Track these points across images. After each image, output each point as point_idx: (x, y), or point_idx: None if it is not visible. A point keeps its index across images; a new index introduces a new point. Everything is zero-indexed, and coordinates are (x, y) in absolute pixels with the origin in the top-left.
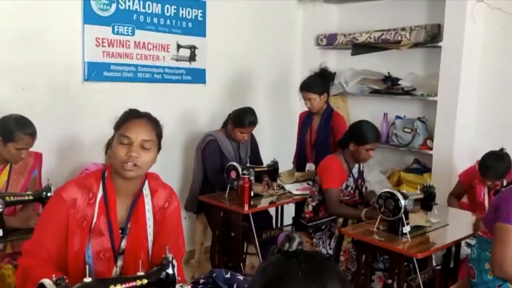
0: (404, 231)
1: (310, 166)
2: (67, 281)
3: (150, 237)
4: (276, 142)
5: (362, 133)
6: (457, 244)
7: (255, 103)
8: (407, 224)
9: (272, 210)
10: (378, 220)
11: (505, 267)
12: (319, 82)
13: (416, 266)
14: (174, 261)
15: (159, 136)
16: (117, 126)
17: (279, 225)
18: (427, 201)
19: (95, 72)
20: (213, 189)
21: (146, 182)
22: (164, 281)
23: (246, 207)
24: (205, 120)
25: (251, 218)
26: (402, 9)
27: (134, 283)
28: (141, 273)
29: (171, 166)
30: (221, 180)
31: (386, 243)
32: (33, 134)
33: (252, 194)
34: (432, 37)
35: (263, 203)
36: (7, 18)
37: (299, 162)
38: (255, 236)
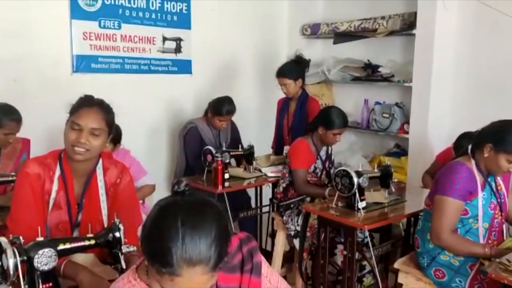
0: (359, 207)
1: (287, 149)
2: (22, 240)
3: (104, 211)
4: (262, 128)
5: (330, 118)
6: (416, 218)
7: (241, 92)
8: (362, 200)
9: (251, 192)
10: (336, 196)
11: (441, 235)
12: (294, 68)
13: (369, 239)
14: (121, 226)
15: (109, 123)
16: (71, 112)
17: (258, 205)
18: (384, 179)
19: (83, 64)
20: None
21: (100, 161)
22: (111, 243)
23: (220, 188)
24: (191, 109)
25: (226, 198)
26: None
27: (82, 243)
28: (90, 235)
29: (158, 153)
30: (200, 164)
31: (340, 217)
32: (18, 120)
33: (227, 176)
34: (408, 25)
35: (240, 184)
36: None
37: (277, 146)
38: (230, 215)
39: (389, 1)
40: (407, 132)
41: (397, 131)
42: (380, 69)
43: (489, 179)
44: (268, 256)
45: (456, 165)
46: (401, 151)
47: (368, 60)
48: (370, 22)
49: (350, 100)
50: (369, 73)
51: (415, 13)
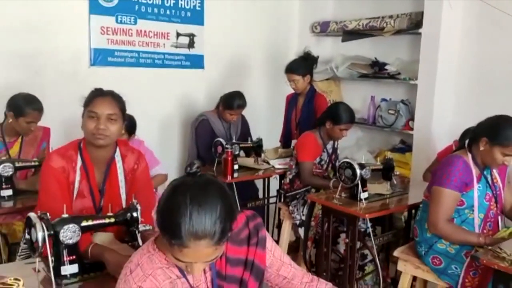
0: (361, 197)
1: (294, 143)
2: (49, 217)
3: (123, 196)
4: (271, 122)
5: (338, 114)
6: (416, 210)
7: (251, 86)
8: (365, 191)
9: (259, 184)
10: (339, 187)
11: (438, 224)
12: (302, 64)
13: (370, 230)
14: (138, 206)
15: (122, 109)
16: (86, 104)
17: (265, 196)
18: (387, 172)
19: (101, 57)
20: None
21: (117, 149)
22: (129, 221)
23: (229, 177)
24: (203, 102)
25: (235, 188)
26: None
27: (103, 221)
28: (110, 214)
29: (171, 144)
30: (210, 155)
31: (343, 206)
32: (40, 109)
33: (236, 167)
34: (415, 24)
35: (248, 175)
36: (19, 10)
37: (285, 140)
38: (238, 204)
39: (397, 1)
40: (411, 129)
41: (402, 128)
42: (387, 67)
43: (485, 172)
44: None
45: (453, 158)
46: (406, 147)
47: (376, 58)
48: (378, 21)
49: (358, 96)
50: (376, 71)
51: (422, 13)
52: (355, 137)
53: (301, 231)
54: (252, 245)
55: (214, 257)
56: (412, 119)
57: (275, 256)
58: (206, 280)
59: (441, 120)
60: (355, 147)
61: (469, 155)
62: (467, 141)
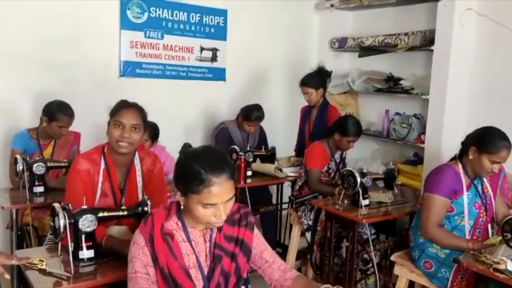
0: (362, 204)
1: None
2: (71, 207)
3: (140, 195)
4: (289, 132)
5: (346, 126)
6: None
7: (270, 99)
8: (365, 198)
9: (273, 190)
10: (342, 194)
11: (428, 229)
12: (316, 78)
13: (369, 234)
14: (149, 202)
15: (144, 120)
16: (112, 114)
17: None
18: (388, 181)
19: (130, 69)
20: None
21: (136, 153)
22: (140, 215)
23: (242, 182)
24: (224, 113)
25: (247, 193)
26: (407, 15)
27: (117, 213)
28: (123, 207)
29: None
30: None
31: (344, 212)
32: (71, 115)
33: (250, 173)
34: (429, 41)
35: (261, 181)
36: (57, 23)
37: (299, 150)
38: (250, 208)
39: (412, 18)
40: (423, 142)
41: (414, 141)
42: (401, 82)
43: (475, 182)
44: (286, 249)
45: (443, 167)
46: (418, 160)
47: (391, 73)
48: (393, 38)
49: (373, 110)
50: (391, 85)
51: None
52: (371, 149)
53: (308, 235)
54: (242, 226)
55: (232, 194)
56: (424, 132)
57: (260, 240)
58: (206, 249)
59: (452, 134)
60: (369, 158)
61: (460, 165)
62: (457, 153)
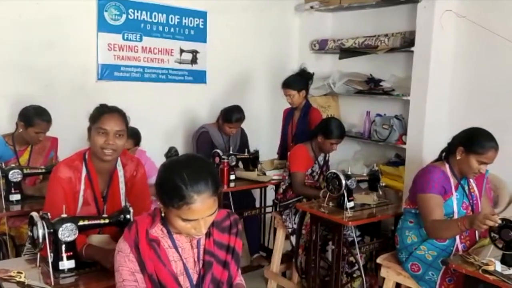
0: (347, 206)
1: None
2: (50, 216)
3: (123, 202)
4: (271, 135)
5: (329, 129)
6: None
7: (252, 101)
8: (350, 200)
9: (256, 194)
10: (327, 196)
11: (428, 225)
12: (298, 80)
13: (355, 236)
14: (131, 209)
15: (127, 125)
16: (93, 120)
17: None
18: (373, 183)
19: (107, 72)
20: None
21: (119, 159)
22: (122, 222)
23: (225, 187)
24: (205, 116)
25: (231, 197)
26: (387, 17)
27: (98, 221)
28: (105, 215)
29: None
30: None
31: (329, 215)
32: (49, 120)
33: (233, 177)
34: (409, 42)
35: (245, 185)
36: (33, 27)
37: (282, 152)
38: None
39: (392, 20)
40: (404, 143)
41: (395, 142)
42: (382, 83)
43: (462, 182)
44: (270, 253)
45: (430, 168)
46: (400, 161)
47: (371, 75)
48: (373, 39)
49: (354, 111)
50: (372, 87)
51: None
52: (353, 150)
53: (293, 238)
54: (233, 234)
55: (214, 209)
56: (405, 133)
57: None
58: (194, 256)
59: (433, 134)
60: (352, 160)
61: (447, 166)
62: (443, 153)
